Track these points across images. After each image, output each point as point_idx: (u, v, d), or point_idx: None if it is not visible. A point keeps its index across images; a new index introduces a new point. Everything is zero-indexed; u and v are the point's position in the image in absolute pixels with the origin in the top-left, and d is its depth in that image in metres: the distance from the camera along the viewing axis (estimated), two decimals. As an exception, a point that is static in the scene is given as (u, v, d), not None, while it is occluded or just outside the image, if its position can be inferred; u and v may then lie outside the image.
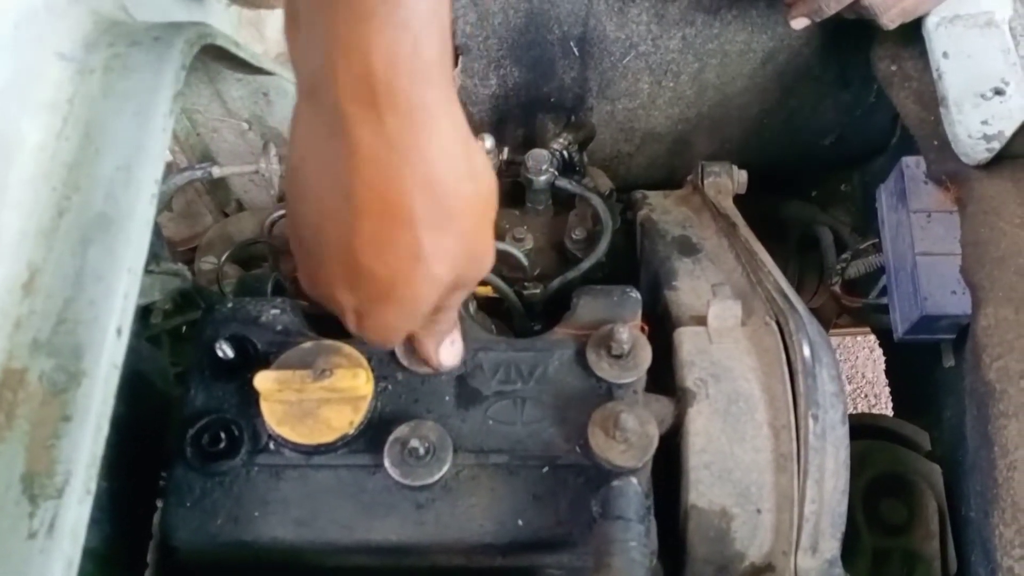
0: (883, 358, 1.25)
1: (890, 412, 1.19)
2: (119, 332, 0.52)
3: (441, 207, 0.53)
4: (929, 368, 1.02)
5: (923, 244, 0.90)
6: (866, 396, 2.00)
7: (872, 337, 1.93)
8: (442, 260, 0.55)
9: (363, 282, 0.56)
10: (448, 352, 0.70)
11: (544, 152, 0.95)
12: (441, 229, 0.54)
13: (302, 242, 0.57)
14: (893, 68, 0.97)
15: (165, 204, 1.03)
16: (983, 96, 0.87)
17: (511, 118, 1.09)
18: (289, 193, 0.57)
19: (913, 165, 0.93)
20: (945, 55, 0.89)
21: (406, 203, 0.52)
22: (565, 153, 0.99)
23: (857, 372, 2.02)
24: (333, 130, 0.51)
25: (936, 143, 0.90)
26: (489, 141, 0.93)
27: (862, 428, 0.97)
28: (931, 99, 0.90)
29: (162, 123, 0.57)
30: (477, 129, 1.00)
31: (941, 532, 0.92)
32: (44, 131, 0.57)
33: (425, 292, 0.57)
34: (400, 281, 0.55)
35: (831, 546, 0.70)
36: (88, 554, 0.68)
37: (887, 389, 1.26)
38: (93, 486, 0.50)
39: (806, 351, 0.72)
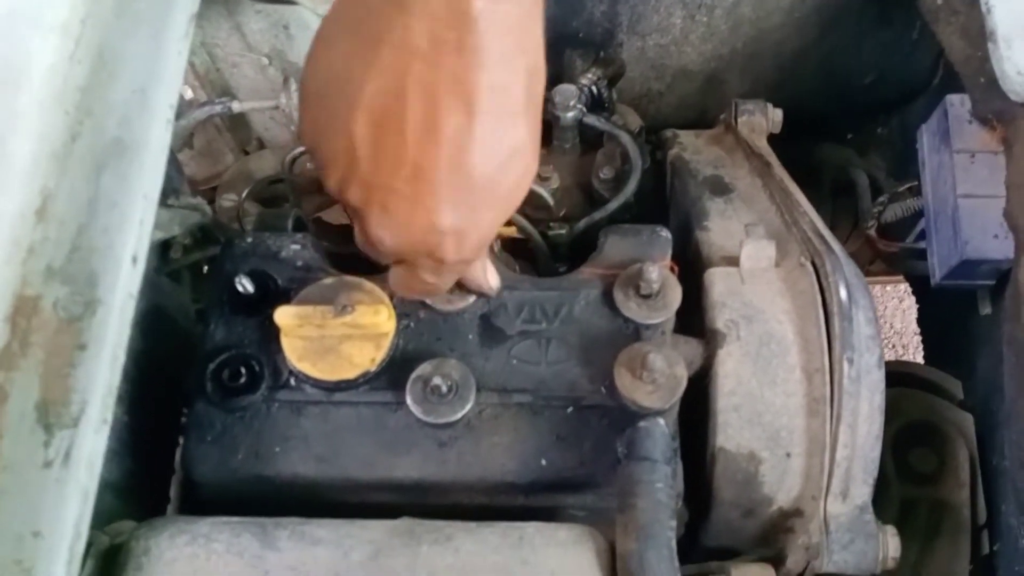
0: (912, 309, 1.22)
1: (920, 362, 1.16)
2: (135, 260, 0.50)
3: (534, 95, 0.51)
4: (964, 316, 0.99)
5: (965, 186, 0.86)
6: (894, 347, 1.97)
7: (902, 287, 1.89)
8: (534, 150, 0.53)
9: (470, 191, 0.51)
10: (494, 274, 0.68)
11: (572, 87, 0.92)
12: (535, 118, 0.52)
13: (387, 180, 0.50)
14: (939, 2, 0.93)
15: (185, 140, 1.01)
16: (1034, 31, 0.82)
17: (538, 54, 1.06)
18: (372, 130, 0.50)
19: (958, 103, 0.89)
20: (995, -13, 0.84)
21: (519, 93, 0.49)
22: (593, 89, 0.96)
23: (885, 322, 1.98)
24: (451, 29, 0.46)
25: (983, 80, 0.86)
26: (515, 75, 0.90)
27: (893, 376, 0.94)
28: (978, 34, 0.86)
29: (178, 46, 0.55)
30: (503, 64, 0.97)
31: (972, 482, 0.90)
32: (56, 53, 0.55)
33: (524, 187, 0.54)
34: (507, 179, 0.52)
35: (862, 492, 0.69)
36: (110, 488, 0.68)
37: (915, 339, 1.24)
38: (110, 416, 0.49)
39: (842, 293, 0.70)
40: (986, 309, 0.94)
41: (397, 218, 0.52)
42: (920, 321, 1.22)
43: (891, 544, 0.69)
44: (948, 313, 1.04)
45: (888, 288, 1.96)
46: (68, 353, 0.48)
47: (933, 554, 0.89)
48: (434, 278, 0.58)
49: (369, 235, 0.54)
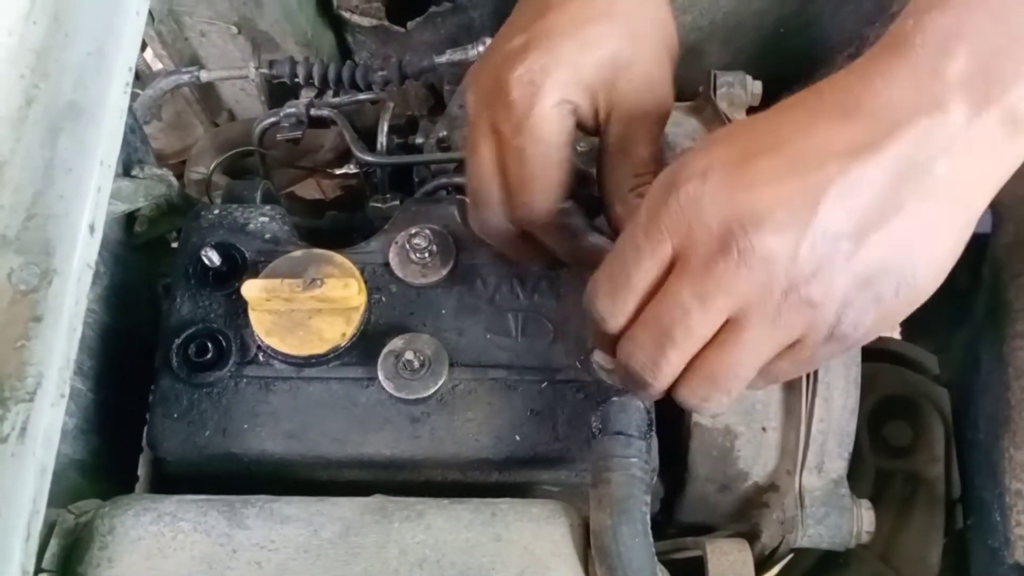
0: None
1: (897, 336, 1.16)
2: (92, 229, 0.49)
3: None
4: (941, 290, 0.99)
5: (943, 159, 0.85)
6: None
7: (879, 265, 1.89)
8: None
9: None
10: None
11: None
12: None
13: None
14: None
15: (153, 112, 0.99)
16: None
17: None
18: None
19: (936, 76, 0.88)
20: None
21: None
22: (570, 60, 0.94)
23: (862, 299, 1.99)
24: None
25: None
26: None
27: (869, 351, 0.95)
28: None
29: (136, 5, 0.53)
30: (478, 33, 0.96)
31: (947, 456, 0.91)
32: (10, 14, 0.53)
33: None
34: None
35: (838, 466, 0.68)
36: (76, 465, 0.67)
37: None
38: (67, 390, 0.47)
39: (820, 265, 0.69)
40: (962, 284, 0.94)
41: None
42: (896, 296, 1.22)
43: (866, 518, 0.69)
44: (924, 288, 1.04)
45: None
46: (23, 325, 0.47)
47: (907, 527, 0.89)
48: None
49: None
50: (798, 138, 0.48)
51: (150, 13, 0.96)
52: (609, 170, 0.63)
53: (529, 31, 0.60)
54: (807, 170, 0.47)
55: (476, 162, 0.61)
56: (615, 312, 0.52)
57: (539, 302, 0.70)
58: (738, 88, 0.91)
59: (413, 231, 0.70)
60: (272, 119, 0.90)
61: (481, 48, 0.89)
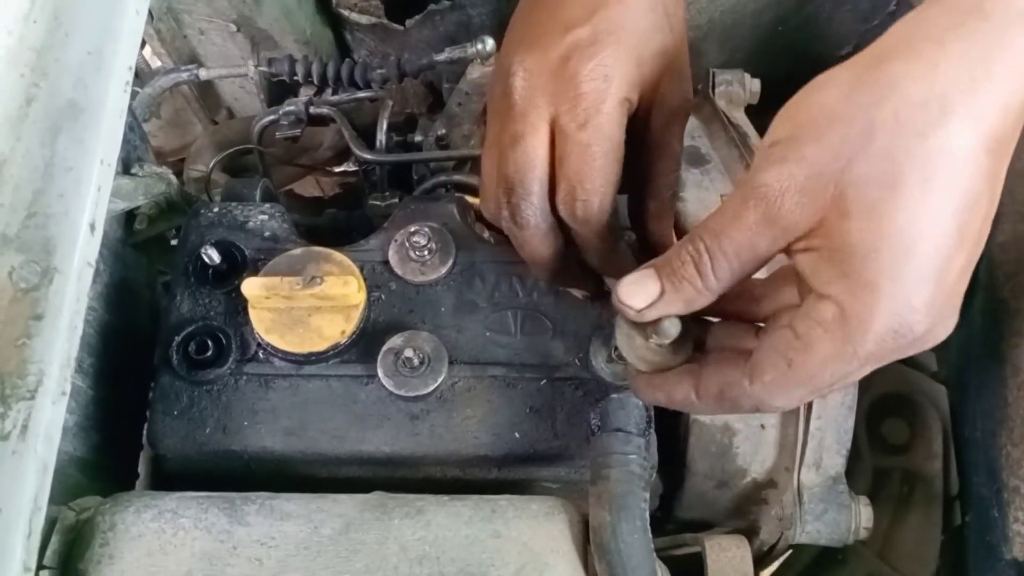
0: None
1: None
2: (92, 227, 0.49)
3: None
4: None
5: (940, 157, 0.86)
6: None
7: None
8: None
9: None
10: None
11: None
12: None
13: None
14: (917, -29, 0.92)
15: (152, 110, 0.99)
16: (1011, 1, 0.82)
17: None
18: None
19: (934, 74, 0.89)
20: (974, -44, 0.83)
21: None
22: (569, 58, 0.94)
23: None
24: None
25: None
26: (490, 43, 0.89)
27: (867, 348, 0.95)
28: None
29: (136, 4, 0.53)
30: (477, 32, 0.96)
31: (944, 453, 0.91)
32: (10, 13, 0.53)
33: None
34: None
35: (836, 463, 0.69)
36: (76, 463, 0.67)
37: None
38: (68, 387, 0.48)
39: (817, 263, 0.69)
40: (959, 282, 0.94)
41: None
42: (894, 294, 1.22)
43: (864, 514, 0.69)
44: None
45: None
46: (24, 323, 0.47)
47: (905, 524, 0.89)
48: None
49: None
50: (932, 258, 0.49)
51: (149, 11, 0.97)
52: (650, 164, 0.64)
53: (593, 22, 0.59)
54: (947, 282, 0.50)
55: (522, 150, 0.59)
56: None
57: (538, 300, 0.70)
58: (736, 86, 0.91)
59: (412, 229, 0.70)
60: (271, 117, 0.90)
61: (480, 46, 0.89)
